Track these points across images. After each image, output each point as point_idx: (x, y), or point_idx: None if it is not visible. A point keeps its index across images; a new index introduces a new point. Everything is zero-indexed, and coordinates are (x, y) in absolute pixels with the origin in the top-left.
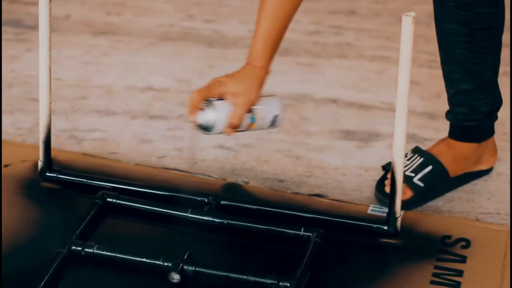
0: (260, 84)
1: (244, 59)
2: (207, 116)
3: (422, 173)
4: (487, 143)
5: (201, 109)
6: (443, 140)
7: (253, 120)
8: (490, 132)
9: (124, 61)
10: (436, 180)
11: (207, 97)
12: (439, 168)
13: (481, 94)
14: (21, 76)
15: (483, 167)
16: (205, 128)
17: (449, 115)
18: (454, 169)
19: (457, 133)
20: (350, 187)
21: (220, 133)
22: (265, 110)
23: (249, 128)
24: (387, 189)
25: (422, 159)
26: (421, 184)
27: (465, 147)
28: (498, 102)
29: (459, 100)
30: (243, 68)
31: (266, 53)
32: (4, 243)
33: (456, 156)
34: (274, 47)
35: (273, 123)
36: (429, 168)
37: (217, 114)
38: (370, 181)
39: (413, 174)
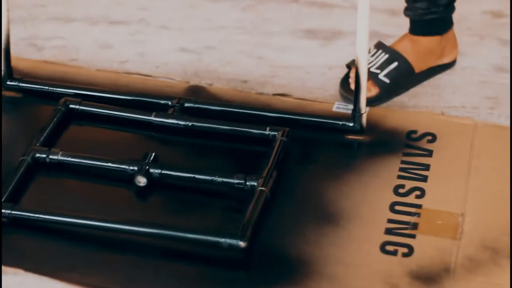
0: None
1: None
2: None
3: (387, 69)
4: (448, 35)
5: None
6: (405, 36)
7: None
8: (450, 23)
9: None
10: (401, 76)
11: None
12: (404, 64)
13: None
14: None
15: (446, 60)
16: None
17: (408, 11)
18: (419, 65)
19: (418, 28)
20: (314, 86)
21: None
22: None
23: None
24: (352, 86)
25: (387, 55)
26: (387, 81)
27: (428, 41)
28: None
29: None
30: None
31: None
32: None
33: (421, 51)
34: None
35: None
36: (395, 64)
37: None
38: (334, 79)
39: (378, 71)
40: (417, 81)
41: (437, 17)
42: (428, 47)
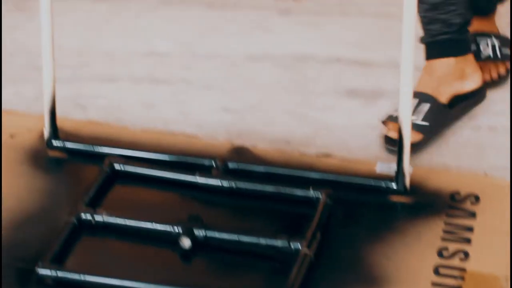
0: None
1: (244, 22)
2: None
3: (422, 113)
4: (465, 58)
5: None
6: (422, 69)
7: None
8: (466, 47)
9: (125, 26)
10: (436, 115)
11: None
12: (433, 103)
13: (451, 6)
14: (22, 46)
15: (470, 85)
16: None
17: (422, 38)
18: (441, 92)
19: (431, 50)
20: (357, 146)
21: None
22: None
23: None
24: (391, 134)
25: (417, 100)
26: (426, 124)
27: (442, 64)
28: (468, 14)
29: (430, 16)
30: None
31: None
32: (15, 213)
33: (439, 77)
34: None
35: None
36: (427, 106)
37: None
38: (377, 139)
39: (414, 117)
40: (451, 116)
41: (450, 37)
42: (443, 71)
